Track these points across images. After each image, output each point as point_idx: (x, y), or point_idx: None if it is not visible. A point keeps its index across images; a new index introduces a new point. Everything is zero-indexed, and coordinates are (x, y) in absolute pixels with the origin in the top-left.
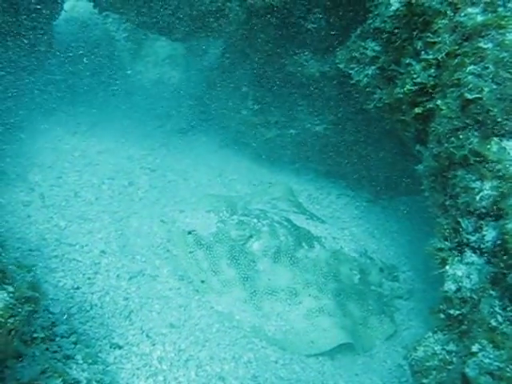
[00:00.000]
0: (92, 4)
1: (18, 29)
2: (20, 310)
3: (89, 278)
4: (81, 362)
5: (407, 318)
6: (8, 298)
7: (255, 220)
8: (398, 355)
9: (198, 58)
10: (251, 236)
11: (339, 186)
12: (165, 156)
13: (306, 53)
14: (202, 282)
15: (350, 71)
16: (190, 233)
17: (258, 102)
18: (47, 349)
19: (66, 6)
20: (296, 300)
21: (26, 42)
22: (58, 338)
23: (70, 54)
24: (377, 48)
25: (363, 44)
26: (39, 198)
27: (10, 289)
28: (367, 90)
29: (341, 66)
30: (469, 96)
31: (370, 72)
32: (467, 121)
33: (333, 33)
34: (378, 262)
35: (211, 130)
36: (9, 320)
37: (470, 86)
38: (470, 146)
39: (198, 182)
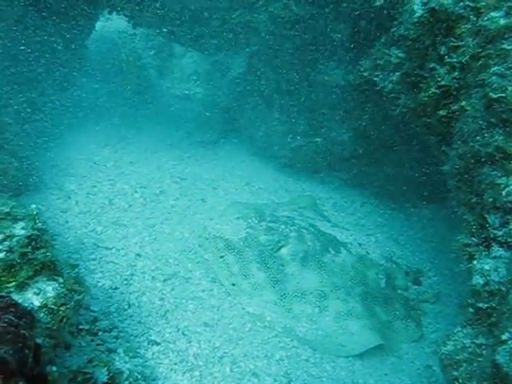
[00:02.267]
0: (123, 21)
1: (53, 46)
2: (70, 299)
3: (126, 280)
4: (122, 355)
5: (434, 321)
6: (59, 288)
7: (283, 226)
8: (426, 357)
9: (223, 71)
10: (279, 241)
11: (363, 195)
12: (193, 166)
13: (332, 62)
14: (233, 285)
15: (375, 78)
16: (220, 238)
17: (284, 111)
18: (92, 340)
19: (96, 25)
20: (325, 303)
21: (59, 59)
22: (100, 333)
23: (100, 72)
24: (401, 55)
25: (387, 51)
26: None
27: (61, 280)
28: (392, 95)
29: (365, 74)
30: (493, 95)
31: (394, 78)
32: (492, 119)
33: (357, 42)
34: (404, 267)
35: (238, 140)
36: (61, 308)
37: (494, 85)
38: (496, 144)
39: (226, 190)
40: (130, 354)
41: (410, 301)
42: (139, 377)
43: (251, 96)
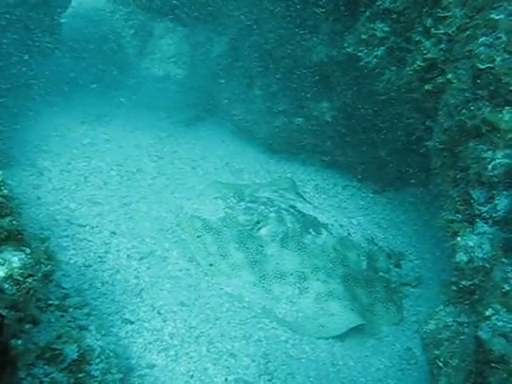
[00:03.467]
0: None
1: (26, 21)
2: (37, 271)
3: (100, 257)
4: (94, 332)
5: (415, 304)
6: (26, 259)
7: (262, 206)
8: (406, 339)
9: (204, 52)
10: (259, 221)
11: (345, 177)
12: (172, 145)
13: (314, 38)
14: (211, 265)
15: (359, 54)
16: (197, 217)
17: (265, 89)
18: (62, 316)
19: (74, 2)
20: (305, 284)
21: (33, 34)
22: (71, 309)
23: (77, 49)
24: (386, 29)
25: (372, 26)
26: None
27: (28, 251)
28: (376, 71)
29: (349, 49)
30: (480, 66)
31: (378, 53)
32: (479, 91)
33: (341, 16)
34: (386, 249)
35: (218, 120)
36: (27, 279)
37: (482, 56)
38: (482, 116)
39: (206, 170)
40: (103, 332)
41: (391, 283)
42: (111, 354)
43: (232, 75)
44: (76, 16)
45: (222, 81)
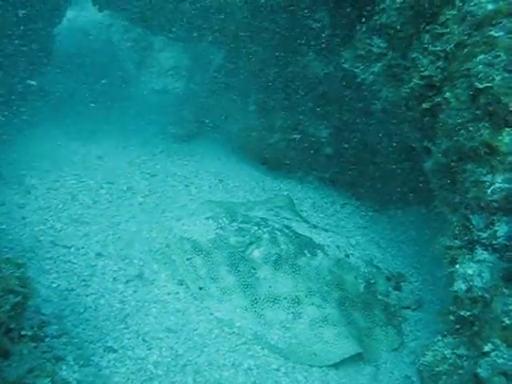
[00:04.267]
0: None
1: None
2: (6, 302)
3: (84, 280)
4: (72, 363)
5: (415, 329)
6: None
7: (255, 227)
8: (405, 366)
9: (203, 66)
10: (251, 243)
11: (344, 195)
12: (165, 162)
13: (310, 53)
14: (200, 288)
15: (356, 70)
16: (187, 239)
17: (261, 105)
18: (36, 347)
19: (69, 15)
20: (299, 309)
21: (25, 46)
22: (48, 339)
23: (72, 62)
24: (383, 44)
25: (369, 41)
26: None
27: None
28: (373, 88)
29: (346, 65)
30: (479, 85)
31: (375, 69)
32: (477, 112)
33: (337, 32)
34: (385, 271)
35: (213, 136)
36: None
37: (481, 75)
38: (481, 138)
39: (199, 188)
40: (81, 363)
41: (390, 307)
42: None
43: (228, 90)
44: (71, 29)
45: (217, 97)
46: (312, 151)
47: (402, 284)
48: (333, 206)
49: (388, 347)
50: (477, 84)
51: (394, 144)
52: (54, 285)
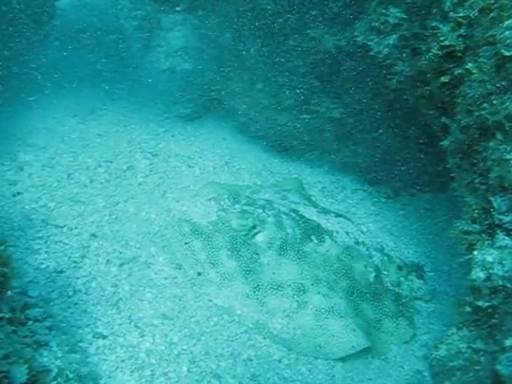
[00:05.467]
0: None
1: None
2: None
3: (74, 262)
4: (55, 349)
5: (428, 321)
6: None
7: (260, 210)
8: (416, 360)
9: (212, 46)
10: (254, 226)
11: (356, 180)
12: (168, 141)
13: (321, 26)
14: (199, 274)
15: (369, 43)
16: (186, 221)
17: (269, 83)
18: (14, 331)
19: None
20: (304, 297)
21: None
22: (30, 322)
23: (75, 38)
24: (399, 14)
25: (384, 11)
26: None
27: None
28: (387, 62)
29: (359, 39)
30: (506, 53)
31: (390, 41)
32: (503, 83)
33: (351, 2)
34: (396, 260)
35: (219, 116)
36: None
37: (508, 41)
38: (506, 111)
39: (203, 169)
40: (66, 349)
41: (402, 298)
42: (71, 376)
43: (235, 67)
44: (75, 3)
45: (224, 74)
46: (322, 132)
47: (415, 274)
48: (343, 191)
49: (398, 340)
50: (503, 51)
51: (409, 124)
52: (43, 266)
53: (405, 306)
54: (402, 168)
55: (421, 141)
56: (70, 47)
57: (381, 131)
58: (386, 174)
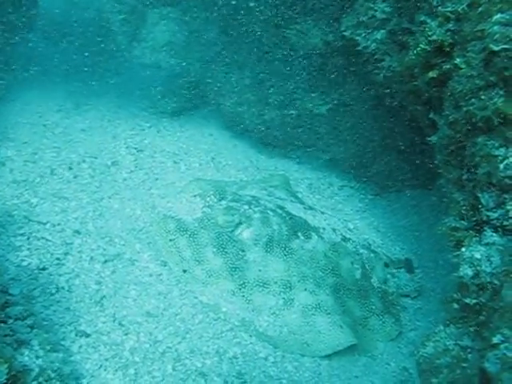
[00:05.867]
0: None
1: None
2: None
3: (58, 259)
4: (36, 348)
5: (414, 318)
6: None
7: (246, 206)
8: (403, 357)
9: (199, 42)
10: (240, 223)
11: (342, 177)
12: (154, 137)
13: (309, 21)
14: (184, 271)
15: (357, 37)
16: (171, 218)
17: (256, 79)
18: None
19: None
20: (290, 294)
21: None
22: (11, 321)
23: (58, 31)
24: (387, 9)
25: (372, 6)
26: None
27: None
28: (375, 57)
29: (347, 33)
30: (494, 48)
31: (378, 36)
32: (491, 78)
33: None
34: (383, 257)
35: (206, 111)
36: None
37: (497, 36)
38: (495, 107)
39: (189, 165)
40: (47, 348)
41: (388, 295)
42: (53, 375)
43: (222, 63)
44: None
45: (211, 69)
46: (309, 129)
47: (401, 271)
48: (330, 187)
49: (385, 337)
50: (492, 46)
51: (396, 120)
52: (25, 263)
53: (391, 304)
54: (389, 164)
55: (408, 137)
56: (53, 40)
57: (368, 127)
58: (372, 171)
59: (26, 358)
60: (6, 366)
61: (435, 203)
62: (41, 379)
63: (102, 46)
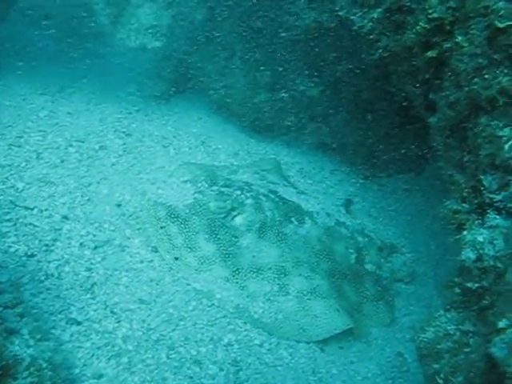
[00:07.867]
0: None
1: None
2: None
3: (46, 245)
4: (27, 337)
5: (408, 303)
6: None
7: (238, 192)
8: (397, 343)
9: (184, 24)
10: (233, 209)
11: (334, 161)
12: (142, 121)
13: (301, 0)
14: (176, 259)
15: (352, 17)
16: (161, 205)
17: (246, 60)
18: None
19: None
20: (285, 280)
21: None
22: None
23: (38, 12)
24: None
25: None
26: None
27: None
28: (371, 37)
29: (341, 13)
30: (499, 24)
31: (375, 15)
32: (495, 56)
33: None
34: (377, 241)
35: (194, 95)
36: None
37: (502, 12)
38: (499, 86)
39: (179, 149)
40: (38, 336)
41: (382, 280)
42: (45, 365)
43: (211, 44)
44: None
45: (199, 51)
46: (300, 112)
47: (394, 255)
48: (321, 172)
49: (378, 323)
50: (496, 23)
51: (390, 103)
52: (12, 249)
53: (385, 289)
54: (381, 148)
55: (401, 121)
56: (35, 22)
57: (360, 110)
58: (364, 155)
59: (17, 348)
60: None
61: (426, 187)
62: (32, 369)
63: (86, 27)
